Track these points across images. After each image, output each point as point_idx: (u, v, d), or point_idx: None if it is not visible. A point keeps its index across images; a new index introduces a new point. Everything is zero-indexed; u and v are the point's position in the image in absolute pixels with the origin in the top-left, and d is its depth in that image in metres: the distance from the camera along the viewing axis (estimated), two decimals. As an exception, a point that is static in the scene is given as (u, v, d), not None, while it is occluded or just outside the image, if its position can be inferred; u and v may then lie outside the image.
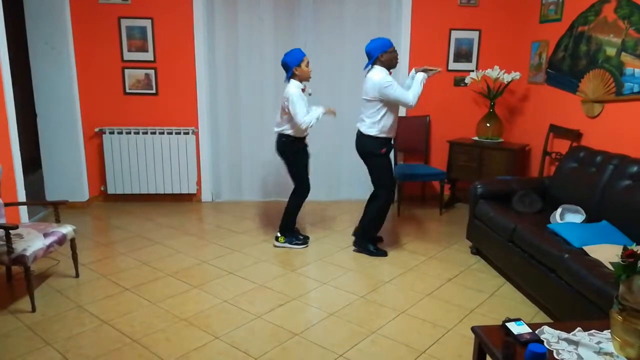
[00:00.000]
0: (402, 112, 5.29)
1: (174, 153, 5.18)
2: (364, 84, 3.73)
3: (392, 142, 3.89)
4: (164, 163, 5.19)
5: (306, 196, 4.07)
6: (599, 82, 3.91)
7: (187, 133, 5.18)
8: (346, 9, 5.15)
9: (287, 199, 4.07)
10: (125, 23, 4.95)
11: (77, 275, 3.48)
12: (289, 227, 4.13)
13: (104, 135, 5.08)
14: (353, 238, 4.16)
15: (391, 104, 3.68)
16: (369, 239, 4.02)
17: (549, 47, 4.61)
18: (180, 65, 5.10)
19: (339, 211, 5.09)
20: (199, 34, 5.04)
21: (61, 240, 3.23)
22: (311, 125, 3.77)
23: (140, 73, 5.08)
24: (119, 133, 5.09)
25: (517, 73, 4.86)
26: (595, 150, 3.63)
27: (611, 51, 3.79)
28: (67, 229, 3.32)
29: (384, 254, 3.96)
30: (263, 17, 4.96)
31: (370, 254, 3.95)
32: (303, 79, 3.84)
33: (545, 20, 4.71)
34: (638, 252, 1.67)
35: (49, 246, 3.09)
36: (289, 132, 3.86)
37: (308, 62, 3.83)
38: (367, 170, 3.90)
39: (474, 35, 5.24)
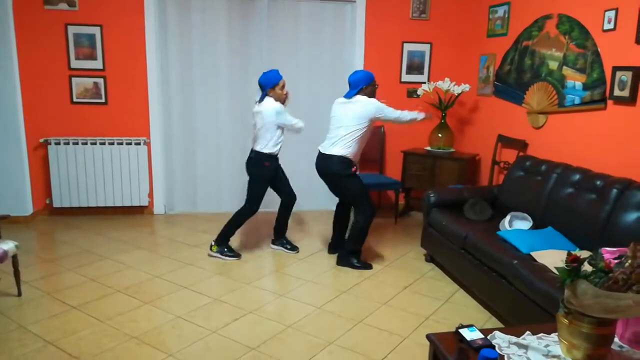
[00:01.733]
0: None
1: (124, 164, 5.02)
2: (344, 110, 3.74)
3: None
4: (114, 174, 5.02)
5: (248, 216, 4.01)
6: (543, 94, 4.09)
7: (139, 143, 5.04)
8: (300, 21, 5.19)
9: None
10: (72, 30, 4.78)
11: (19, 294, 3.29)
12: (223, 238, 4.05)
13: (49, 146, 4.86)
14: (310, 249, 4.14)
15: (368, 131, 3.74)
16: (353, 252, 3.96)
17: (496, 60, 4.80)
18: (131, 73, 4.96)
19: (294, 222, 5.07)
20: (150, 42, 4.93)
21: (2, 258, 3.05)
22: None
23: (88, 82, 4.91)
24: (65, 144, 4.89)
25: (467, 85, 5.02)
26: (540, 160, 3.79)
27: (554, 65, 3.98)
28: (8, 245, 3.14)
29: (369, 266, 3.93)
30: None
31: (355, 267, 3.90)
32: (278, 101, 3.83)
33: (492, 35, 4.90)
34: (581, 257, 1.74)
35: (-13, 264, 2.91)
36: (265, 150, 3.86)
37: (284, 86, 3.84)
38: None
39: (426, 48, 5.39)
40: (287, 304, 3.31)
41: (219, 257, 4.02)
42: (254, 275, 3.77)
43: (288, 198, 4.14)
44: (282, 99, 3.87)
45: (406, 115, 3.86)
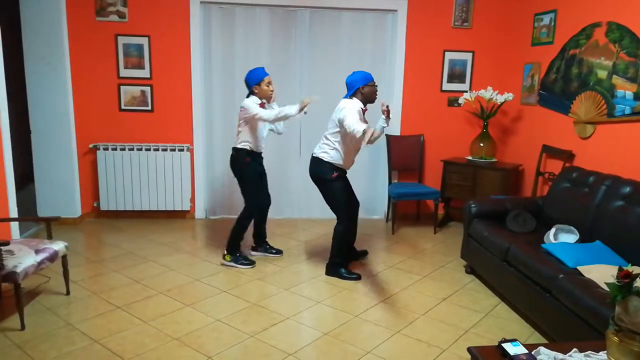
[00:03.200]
0: (396, 131, 5.35)
1: (168, 170, 5.17)
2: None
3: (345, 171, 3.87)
4: (157, 180, 5.17)
5: (254, 214, 4.04)
6: (591, 103, 3.97)
7: (182, 150, 5.18)
8: (341, 30, 5.22)
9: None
10: (122, 40, 4.98)
11: (67, 293, 3.43)
12: (233, 246, 4.06)
13: (98, 151, 5.07)
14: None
15: (346, 135, 3.64)
16: (340, 264, 3.90)
17: (541, 69, 4.68)
18: (177, 82, 5.12)
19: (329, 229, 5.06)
20: (195, 52, 5.07)
21: (53, 257, 3.19)
22: (272, 119, 3.76)
23: (136, 90, 5.10)
24: (113, 149, 5.08)
25: (510, 94, 4.92)
26: (588, 171, 3.66)
27: (602, 74, 3.85)
28: (58, 246, 3.28)
29: (357, 276, 3.86)
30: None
31: (343, 278, 3.84)
32: (262, 97, 3.88)
33: (537, 43, 4.79)
34: (633, 272, 1.67)
35: (40, 263, 3.05)
36: (239, 145, 3.92)
37: (269, 82, 3.87)
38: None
39: (468, 56, 5.32)
40: (324, 311, 3.32)
41: (234, 266, 4.01)
42: (292, 281, 3.79)
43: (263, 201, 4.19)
44: (268, 95, 3.88)
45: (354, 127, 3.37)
